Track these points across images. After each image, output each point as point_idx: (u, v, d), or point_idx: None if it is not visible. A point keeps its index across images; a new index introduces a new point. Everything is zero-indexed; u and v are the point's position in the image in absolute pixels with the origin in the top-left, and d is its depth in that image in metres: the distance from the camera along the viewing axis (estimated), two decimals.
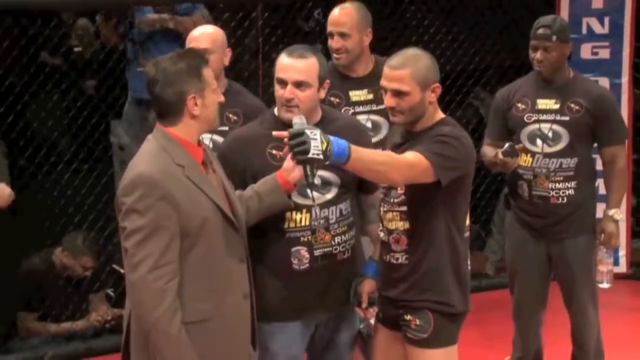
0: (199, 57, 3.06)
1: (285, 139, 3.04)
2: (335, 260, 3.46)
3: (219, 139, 3.89)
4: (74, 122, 5.95)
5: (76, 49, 6.40)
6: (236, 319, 3.10)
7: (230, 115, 3.96)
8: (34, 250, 5.63)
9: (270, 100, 5.92)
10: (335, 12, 4.23)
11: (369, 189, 3.56)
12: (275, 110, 3.48)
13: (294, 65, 3.37)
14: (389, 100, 3.31)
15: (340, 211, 3.46)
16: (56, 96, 5.96)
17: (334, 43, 4.18)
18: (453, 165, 3.23)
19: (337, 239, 3.46)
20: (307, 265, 3.42)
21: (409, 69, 3.27)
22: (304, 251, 3.42)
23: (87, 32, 6.54)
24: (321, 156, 2.99)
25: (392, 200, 3.34)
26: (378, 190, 3.53)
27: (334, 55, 4.21)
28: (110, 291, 5.81)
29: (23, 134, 5.72)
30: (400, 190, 3.32)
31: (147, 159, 3.00)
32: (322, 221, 3.42)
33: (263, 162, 3.39)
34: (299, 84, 3.37)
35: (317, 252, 3.42)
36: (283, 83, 3.38)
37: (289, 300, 3.43)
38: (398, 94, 3.28)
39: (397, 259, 3.37)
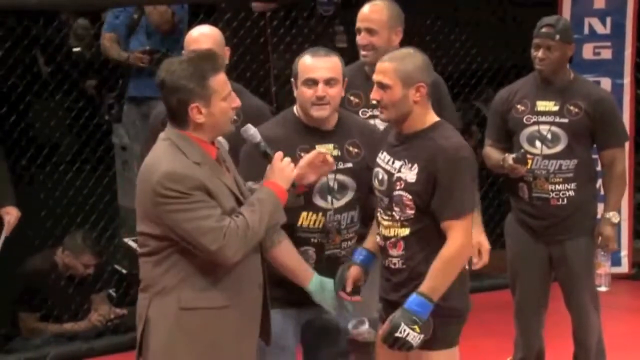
0: (209, 63, 3.04)
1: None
2: (339, 263, 3.48)
3: (220, 139, 3.88)
4: (76, 123, 5.95)
5: (75, 50, 6.40)
6: (251, 309, 3.14)
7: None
8: (36, 251, 5.64)
9: (271, 99, 5.96)
10: (365, 9, 4.11)
11: None
12: (295, 111, 3.50)
13: (322, 64, 3.43)
14: (373, 93, 3.35)
15: (352, 218, 3.49)
16: (58, 96, 5.96)
17: (360, 39, 4.07)
18: (474, 188, 3.33)
19: (344, 244, 3.50)
20: (313, 265, 3.45)
21: (394, 64, 3.31)
22: (311, 252, 3.45)
23: (87, 33, 6.54)
24: (422, 336, 3.22)
25: (397, 217, 3.34)
26: None
27: (361, 52, 4.08)
28: (112, 291, 5.82)
29: (25, 135, 5.73)
30: (410, 211, 3.31)
31: (166, 158, 3.00)
32: (335, 224, 3.46)
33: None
34: (328, 81, 3.42)
35: (327, 252, 3.45)
36: (313, 82, 3.41)
37: (288, 292, 3.44)
38: (381, 86, 3.32)
39: (395, 264, 3.37)
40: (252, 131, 3.27)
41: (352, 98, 4.11)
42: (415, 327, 3.20)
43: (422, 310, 3.21)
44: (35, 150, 5.73)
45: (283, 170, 3.16)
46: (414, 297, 3.23)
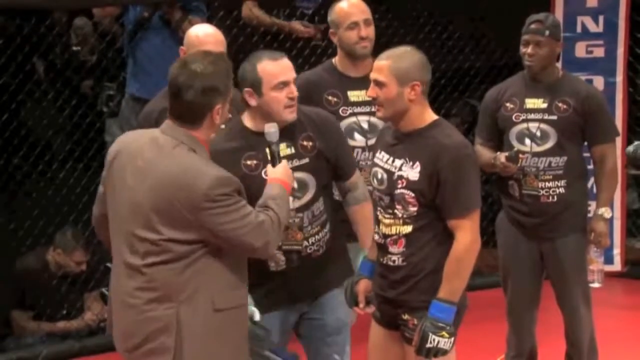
0: (228, 65, 3.10)
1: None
2: (310, 258, 3.51)
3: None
4: (69, 121, 5.94)
5: (75, 48, 6.39)
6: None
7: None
8: (29, 250, 5.63)
9: None
10: (345, 4, 4.09)
11: (346, 175, 3.59)
12: (245, 120, 3.48)
13: (285, 65, 3.44)
14: (370, 91, 3.38)
15: (313, 213, 3.50)
16: (51, 95, 5.95)
17: (362, 32, 4.04)
18: (477, 187, 3.33)
19: (311, 240, 3.51)
20: (284, 266, 3.49)
21: (390, 62, 3.33)
22: (279, 254, 3.46)
23: (87, 32, 6.52)
24: (452, 338, 3.26)
25: (400, 215, 3.35)
26: (355, 172, 3.60)
27: (361, 44, 4.07)
28: (105, 290, 5.81)
29: (17, 133, 5.72)
30: (413, 208, 3.33)
31: (200, 163, 3.03)
32: (296, 220, 3.47)
33: (240, 174, 3.33)
34: (294, 81, 3.45)
35: (285, 247, 3.46)
36: (284, 85, 3.41)
37: (267, 295, 3.47)
38: (377, 84, 3.34)
39: (394, 261, 3.38)
40: (273, 130, 3.33)
41: (330, 98, 4.12)
42: (443, 332, 3.24)
43: (445, 315, 3.25)
44: (28, 148, 5.72)
45: (289, 173, 3.26)
46: (434, 304, 3.27)
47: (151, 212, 3.02)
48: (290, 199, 3.38)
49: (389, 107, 3.34)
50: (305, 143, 3.50)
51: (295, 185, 3.43)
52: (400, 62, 3.32)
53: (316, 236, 3.52)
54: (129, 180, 3.07)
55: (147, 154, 3.07)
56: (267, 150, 3.32)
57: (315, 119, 3.57)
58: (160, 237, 3.02)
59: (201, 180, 2.99)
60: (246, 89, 3.42)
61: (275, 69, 3.41)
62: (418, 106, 3.34)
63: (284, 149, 3.44)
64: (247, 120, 3.48)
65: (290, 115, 3.43)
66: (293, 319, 3.59)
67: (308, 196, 3.48)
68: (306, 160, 3.48)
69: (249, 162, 3.43)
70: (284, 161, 3.27)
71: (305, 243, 3.50)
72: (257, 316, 3.35)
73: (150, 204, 3.02)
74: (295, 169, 3.42)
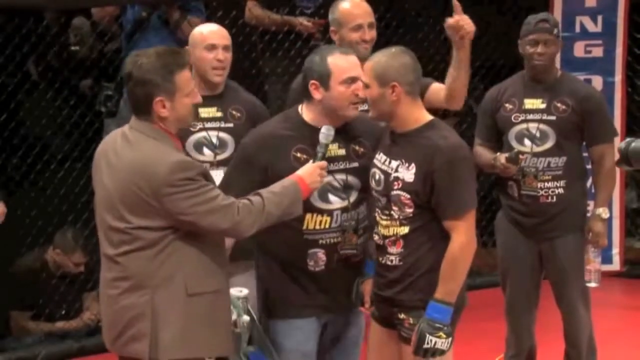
0: (178, 59, 3.13)
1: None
2: (350, 262, 3.50)
3: (225, 136, 3.96)
4: (67, 121, 5.94)
5: (73, 48, 6.39)
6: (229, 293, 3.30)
7: (234, 112, 4.01)
8: (28, 250, 5.63)
9: (263, 98, 5.94)
10: (350, 5, 4.04)
11: None
12: (301, 111, 3.47)
13: (355, 62, 3.41)
14: (361, 91, 3.39)
15: (358, 215, 3.48)
16: (49, 95, 5.95)
17: (366, 35, 3.99)
18: (473, 188, 3.33)
19: (359, 241, 3.50)
20: (323, 267, 3.46)
21: (372, 63, 3.35)
22: (321, 254, 3.45)
23: (85, 31, 6.51)
24: (450, 339, 3.26)
25: (396, 216, 3.35)
26: None
27: (362, 45, 4.01)
28: None
29: (16, 133, 5.72)
30: (409, 209, 3.33)
31: (161, 150, 3.08)
32: (352, 222, 3.46)
33: (287, 164, 3.39)
34: (360, 79, 3.43)
35: (342, 252, 3.45)
36: (352, 81, 3.39)
37: (305, 297, 3.47)
38: (364, 85, 3.36)
39: (392, 260, 3.39)
40: (331, 132, 3.36)
41: None
42: (440, 333, 3.25)
43: (442, 316, 3.26)
44: (27, 148, 5.72)
45: (314, 173, 3.30)
46: (431, 304, 3.28)
47: (119, 203, 3.09)
48: (336, 199, 3.42)
49: (375, 108, 3.37)
50: (357, 148, 3.49)
51: (342, 185, 3.44)
52: (380, 62, 3.33)
53: (358, 240, 3.50)
54: (105, 179, 3.15)
55: (118, 150, 3.15)
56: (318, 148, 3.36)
57: (367, 126, 3.53)
58: (129, 225, 3.09)
59: (160, 166, 3.04)
60: (312, 81, 3.40)
61: (346, 63, 3.39)
62: (406, 107, 3.34)
63: (337, 150, 3.45)
64: (306, 113, 3.46)
65: (353, 112, 3.42)
66: (320, 328, 3.56)
67: (352, 198, 3.47)
68: (355, 164, 3.47)
69: (298, 155, 3.41)
70: (317, 162, 3.31)
71: (359, 242, 3.50)
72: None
73: (119, 195, 3.10)
74: (344, 171, 3.44)
